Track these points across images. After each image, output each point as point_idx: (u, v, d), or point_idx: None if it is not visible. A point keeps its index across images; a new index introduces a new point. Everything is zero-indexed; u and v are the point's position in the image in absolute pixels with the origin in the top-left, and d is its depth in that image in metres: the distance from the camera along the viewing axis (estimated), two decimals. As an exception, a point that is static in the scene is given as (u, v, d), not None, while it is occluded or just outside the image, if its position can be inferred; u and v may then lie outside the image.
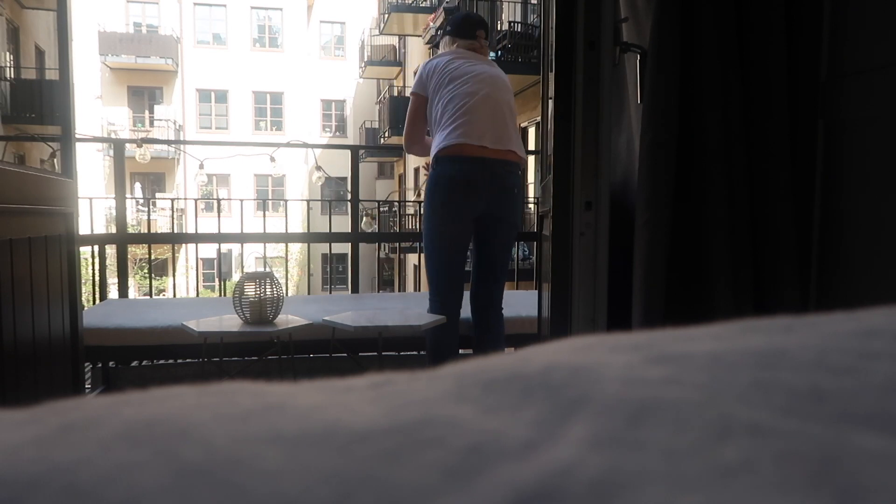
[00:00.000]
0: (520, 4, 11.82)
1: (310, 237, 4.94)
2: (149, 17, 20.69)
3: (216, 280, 15.09)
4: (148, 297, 5.70)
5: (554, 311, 1.79)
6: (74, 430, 0.26)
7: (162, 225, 15.98)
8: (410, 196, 17.29)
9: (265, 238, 4.30)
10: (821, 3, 1.47)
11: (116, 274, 3.90)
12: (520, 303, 2.86)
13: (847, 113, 1.44)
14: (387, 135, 16.24)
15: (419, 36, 15.76)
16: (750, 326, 0.41)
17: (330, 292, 9.28)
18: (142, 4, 20.65)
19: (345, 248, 4.81)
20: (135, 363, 2.90)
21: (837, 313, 0.43)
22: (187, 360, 2.87)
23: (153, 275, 5.91)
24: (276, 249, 12.10)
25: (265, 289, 2.54)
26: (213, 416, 0.27)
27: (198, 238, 4.41)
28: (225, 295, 4.71)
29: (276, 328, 2.49)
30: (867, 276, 1.40)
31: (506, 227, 2.45)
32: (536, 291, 2.46)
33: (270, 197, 19.40)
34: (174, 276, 5.97)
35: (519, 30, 11.00)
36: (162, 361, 2.94)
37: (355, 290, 4.47)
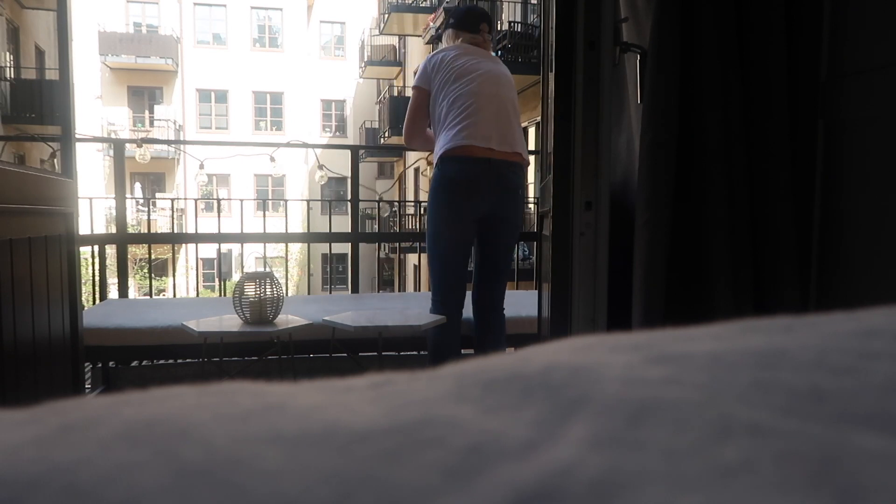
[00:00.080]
0: (520, 4, 11.82)
1: (310, 237, 4.94)
2: (149, 17, 20.69)
3: (216, 280, 15.09)
4: (148, 297, 5.70)
5: (554, 311, 1.79)
6: (74, 430, 0.26)
7: (162, 225, 15.98)
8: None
9: (265, 238, 4.30)
10: (821, 3, 1.47)
11: (116, 274, 3.90)
12: (520, 303, 2.86)
13: (847, 113, 1.44)
14: (387, 135, 16.24)
15: (419, 36, 15.76)
16: (750, 326, 0.41)
17: (330, 292, 9.28)
18: (142, 4, 20.65)
19: (345, 248, 4.81)
20: (135, 363, 2.90)
21: (837, 313, 0.43)
22: (187, 360, 2.87)
23: (153, 275, 5.91)
24: (276, 249, 12.10)
25: (265, 289, 2.54)
26: (213, 416, 0.27)
27: (198, 238, 4.41)
28: (225, 295, 4.71)
29: (276, 328, 2.48)
30: (867, 276, 1.40)
31: (509, 227, 2.45)
32: (536, 291, 2.46)
33: (270, 197, 19.40)
34: (174, 276, 5.97)
35: (519, 30, 11.00)
36: (162, 361, 2.94)
37: (355, 290, 4.47)
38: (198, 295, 6.58)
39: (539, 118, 2.50)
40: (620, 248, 1.69)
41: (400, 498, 0.21)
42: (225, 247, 7.41)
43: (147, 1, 20.62)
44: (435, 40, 12.85)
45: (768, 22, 1.49)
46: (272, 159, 5.25)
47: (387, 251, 15.85)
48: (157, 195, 19.26)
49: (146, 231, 9.74)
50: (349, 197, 4.24)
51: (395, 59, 20.15)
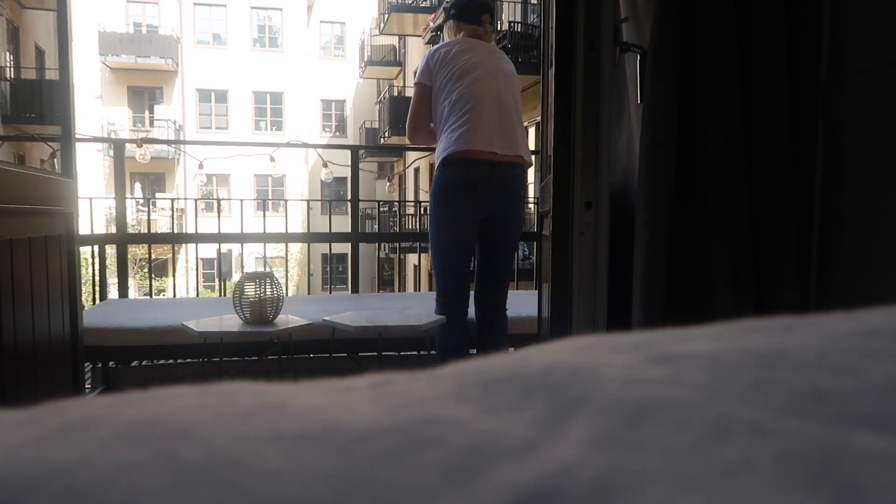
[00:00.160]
0: (520, 4, 11.82)
1: (310, 237, 4.95)
2: (149, 17, 20.69)
3: (216, 280, 15.09)
4: (148, 297, 5.70)
5: (554, 311, 1.79)
6: (74, 430, 0.26)
7: (162, 225, 15.98)
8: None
9: (265, 238, 4.30)
10: (821, 3, 1.47)
11: (116, 274, 3.90)
12: (520, 303, 2.86)
13: (847, 113, 1.44)
14: (387, 135, 16.24)
15: (419, 36, 15.76)
16: (750, 326, 0.41)
17: (330, 292, 9.28)
18: (142, 4, 20.65)
19: (345, 248, 4.81)
20: (135, 363, 2.90)
21: (837, 313, 0.43)
22: (187, 360, 2.87)
23: (153, 275, 5.91)
24: (276, 249, 12.10)
25: (265, 289, 2.54)
26: (213, 416, 0.27)
27: (198, 238, 4.41)
28: (225, 295, 4.71)
29: (276, 328, 2.48)
30: (867, 276, 1.40)
31: (510, 228, 2.44)
32: (536, 291, 2.46)
33: (270, 197, 19.39)
34: (174, 276, 5.97)
35: (519, 30, 11.01)
36: (162, 361, 2.94)
37: (355, 290, 4.47)
38: (198, 295, 6.58)
39: (539, 118, 2.49)
40: (620, 248, 1.69)
41: (400, 498, 0.21)
42: (225, 247, 7.41)
43: (147, 1, 20.62)
44: (435, 40, 12.85)
45: (768, 22, 1.49)
46: (272, 159, 5.25)
47: (387, 251, 15.85)
48: (157, 195, 19.26)
49: (146, 231, 9.74)
50: (349, 197, 4.24)
51: (395, 59, 20.15)
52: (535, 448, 0.24)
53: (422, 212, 6.49)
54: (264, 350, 2.70)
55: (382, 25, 16.88)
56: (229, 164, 16.54)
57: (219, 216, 4.06)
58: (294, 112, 21.15)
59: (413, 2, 15.74)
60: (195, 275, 9.59)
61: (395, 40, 19.67)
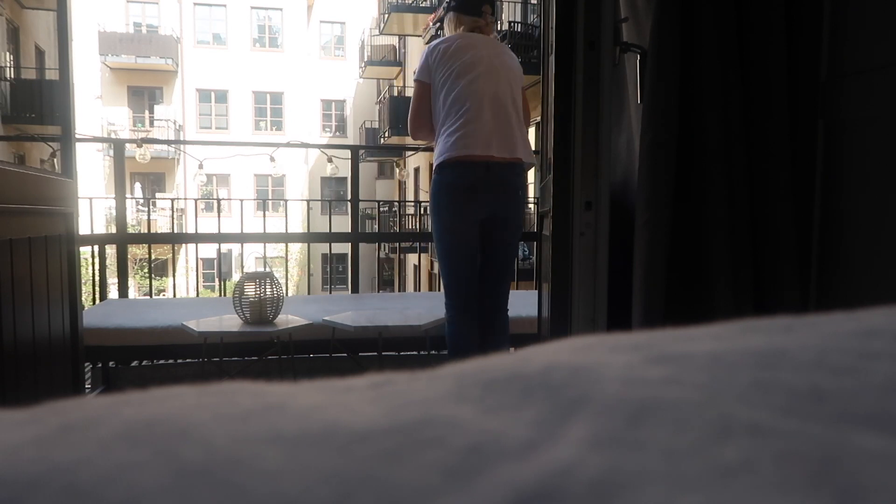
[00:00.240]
0: (520, 4, 11.82)
1: (310, 237, 4.95)
2: (149, 17, 20.68)
3: (216, 280, 15.09)
4: (148, 297, 5.70)
5: (554, 311, 1.79)
6: (74, 430, 0.26)
7: (162, 225, 15.99)
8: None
9: (265, 238, 4.30)
10: (821, 3, 1.47)
11: (116, 274, 3.90)
12: (520, 303, 2.86)
13: (847, 113, 1.44)
14: (387, 135, 16.24)
15: (419, 36, 15.77)
16: (750, 326, 0.41)
17: (330, 292, 9.28)
18: (142, 4, 20.65)
19: (345, 248, 4.81)
20: (135, 363, 2.90)
21: (837, 313, 0.43)
22: (187, 360, 2.87)
23: (153, 275, 5.91)
24: (276, 249, 12.10)
25: (265, 289, 2.54)
26: (213, 416, 0.27)
27: (198, 238, 4.41)
28: (225, 295, 4.71)
29: (276, 328, 2.49)
30: (867, 276, 1.40)
31: (510, 228, 2.43)
32: (536, 291, 2.46)
33: (270, 197, 19.39)
34: (174, 276, 5.97)
35: (519, 30, 11.01)
36: (162, 361, 2.94)
37: (355, 290, 4.47)
38: (198, 295, 6.58)
39: (539, 118, 2.49)
40: (620, 248, 1.69)
41: (400, 498, 0.21)
42: (225, 247, 7.41)
43: (147, 1, 20.62)
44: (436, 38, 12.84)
45: (768, 22, 1.49)
46: (272, 159, 5.25)
47: (387, 251, 15.86)
48: (157, 195, 19.26)
49: (146, 231, 9.74)
50: (349, 197, 4.24)
51: (395, 59, 20.15)
52: (535, 448, 0.24)
53: (422, 212, 6.49)
54: (264, 350, 2.70)
55: (382, 25, 16.88)
56: (229, 164, 16.54)
57: (219, 216, 4.06)
58: (294, 112, 21.15)
59: (413, 2, 15.74)
60: (195, 275, 9.60)
61: (395, 40, 19.67)
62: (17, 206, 1.68)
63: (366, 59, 20.45)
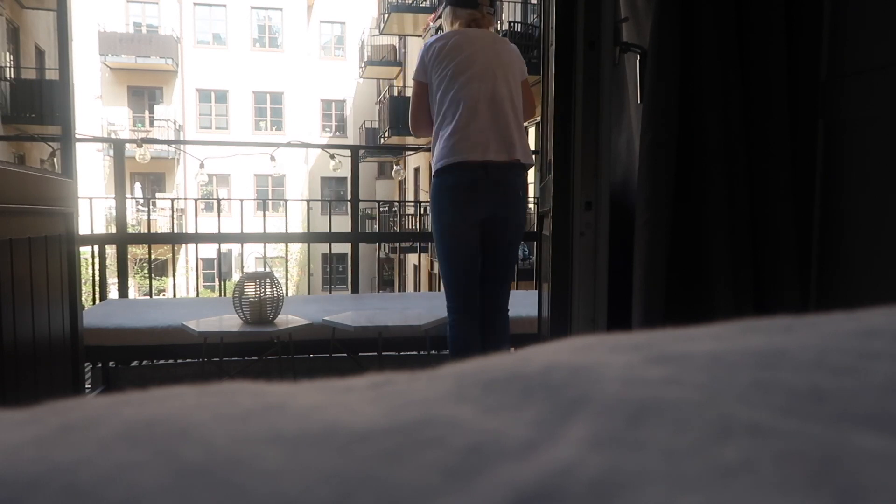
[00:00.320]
0: (520, 4, 11.83)
1: (310, 237, 4.95)
2: (149, 17, 20.68)
3: (216, 280, 15.09)
4: (148, 297, 5.70)
5: (554, 311, 1.79)
6: (74, 430, 0.26)
7: (162, 225, 15.99)
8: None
9: (265, 238, 4.30)
10: (821, 3, 1.47)
11: (116, 274, 3.90)
12: (520, 303, 2.86)
13: (847, 113, 1.44)
14: (387, 135, 16.24)
15: (419, 36, 15.77)
16: (750, 326, 0.41)
17: (330, 292, 9.28)
18: (142, 4, 20.65)
19: (345, 248, 4.82)
20: (135, 363, 2.90)
21: (837, 313, 0.43)
22: (187, 360, 2.87)
23: (153, 275, 5.92)
24: (276, 249, 12.10)
25: (265, 289, 2.54)
26: (213, 416, 0.27)
27: (198, 238, 4.41)
28: (225, 295, 4.71)
29: (276, 328, 2.49)
30: (867, 276, 1.40)
31: (510, 229, 2.42)
32: (536, 291, 2.46)
33: (270, 197, 19.39)
34: (174, 276, 5.97)
35: (519, 30, 11.01)
36: (162, 361, 2.94)
37: (355, 290, 4.47)
38: (198, 295, 6.58)
39: (539, 118, 2.48)
40: (620, 248, 1.69)
41: (400, 498, 0.21)
42: (225, 247, 7.41)
43: (147, 1, 20.62)
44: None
45: (768, 22, 1.49)
46: (272, 158, 5.25)
47: (387, 251, 15.86)
48: (157, 195, 19.26)
49: (146, 231, 9.74)
50: (349, 197, 4.24)
51: (395, 59, 20.15)
52: (535, 448, 0.24)
53: (422, 212, 6.50)
54: (264, 350, 2.70)
55: (382, 25, 16.88)
56: (229, 164, 16.54)
57: (219, 216, 4.06)
58: (294, 112, 21.15)
59: (413, 2, 15.74)
60: (195, 275, 9.60)
61: (395, 40, 19.67)
62: (17, 206, 1.68)
63: (366, 59, 20.45)
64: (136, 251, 13.70)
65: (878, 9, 1.37)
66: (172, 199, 14.60)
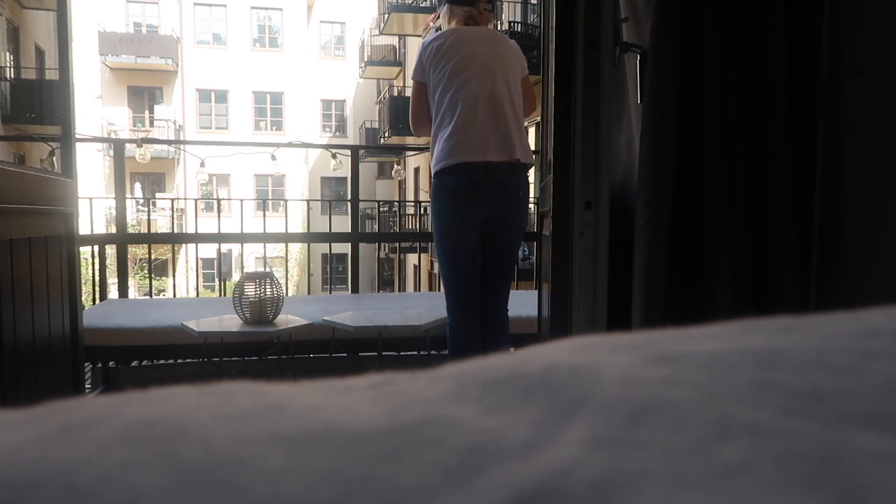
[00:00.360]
0: (520, 4, 11.83)
1: (310, 237, 4.95)
2: (149, 17, 20.68)
3: (216, 280, 15.09)
4: (148, 297, 5.70)
5: (554, 311, 1.79)
6: (74, 430, 0.26)
7: (162, 225, 15.99)
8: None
9: (265, 238, 4.30)
10: (821, 3, 1.47)
11: (116, 274, 3.90)
12: (520, 303, 2.86)
13: (847, 113, 1.44)
14: (387, 135, 16.24)
15: (419, 36, 15.76)
16: (750, 326, 0.41)
17: (330, 292, 9.28)
18: (142, 4, 20.65)
19: (345, 248, 4.82)
20: (135, 363, 2.90)
21: (837, 313, 0.43)
22: (187, 360, 2.87)
23: (153, 275, 5.92)
24: (276, 249, 12.10)
25: (265, 289, 2.54)
26: (213, 416, 0.27)
27: (198, 238, 4.42)
28: (225, 295, 4.71)
29: (276, 328, 2.49)
30: (867, 276, 1.40)
31: (511, 229, 2.41)
32: (536, 291, 2.46)
33: (270, 197, 19.39)
34: (174, 276, 5.97)
35: (519, 30, 11.01)
36: (162, 361, 2.94)
37: (355, 290, 4.47)
38: (198, 295, 6.58)
39: (539, 118, 2.48)
40: (620, 248, 1.69)
41: (400, 498, 0.21)
42: (225, 247, 7.42)
43: (147, 1, 20.62)
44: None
45: (768, 22, 1.49)
46: (273, 157, 5.25)
47: (387, 251, 15.85)
48: (157, 195, 19.26)
49: (146, 231, 9.74)
50: (349, 197, 4.24)
51: (395, 59, 20.15)
52: (535, 448, 0.24)
53: (422, 212, 6.50)
54: (264, 350, 2.70)
55: (382, 25, 16.88)
56: (229, 164, 16.54)
57: (219, 216, 4.06)
58: (294, 112, 21.15)
59: (413, 2, 15.73)
60: (195, 275, 9.60)
61: (395, 40, 19.67)
62: (17, 206, 1.68)
63: (366, 59, 20.45)
64: (136, 251, 13.70)
65: (878, 9, 1.37)
66: (172, 199, 14.60)
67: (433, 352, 2.88)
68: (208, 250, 14.34)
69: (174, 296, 6.38)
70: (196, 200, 5.03)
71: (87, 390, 2.65)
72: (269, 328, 2.49)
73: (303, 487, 0.21)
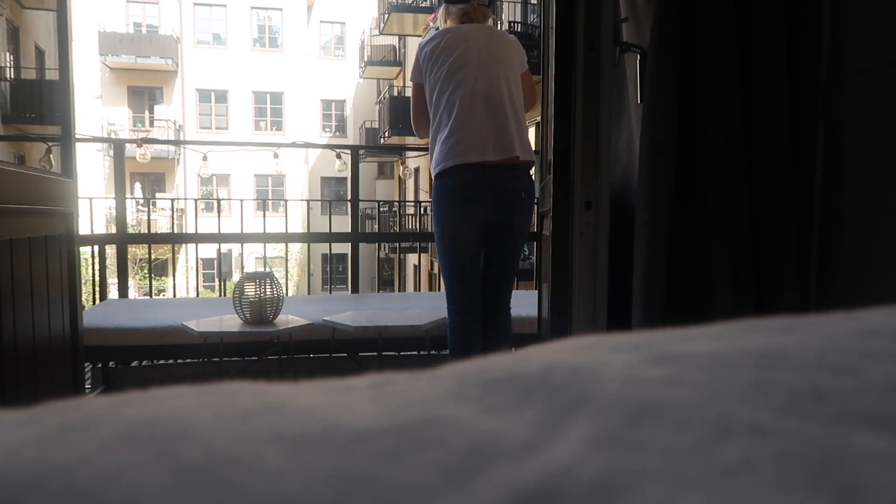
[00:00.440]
0: (520, 4, 11.83)
1: (310, 237, 4.95)
2: (149, 17, 20.69)
3: (216, 280, 15.09)
4: (148, 297, 5.70)
5: (554, 311, 1.79)
6: (74, 430, 0.26)
7: (162, 225, 15.99)
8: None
9: (265, 238, 4.30)
10: (821, 3, 1.47)
11: (116, 274, 3.90)
12: (520, 303, 2.86)
13: (847, 113, 1.44)
14: (387, 135, 16.24)
15: (419, 36, 15.76)
16: (750, 326, 0.41)
17: (330, 292, 9.28)
18: (142, 4, 20.65)
19: (345, 248, 4.82)
20: (135, 363, 2.90)
21: (837, 313, 0.43)
22: (187, 360, 2.87)
23: (153, 275, 5.92)
24: (276, 249, 12.10)
25: (265, 289, 2.54)
26: (213, 416, 0.27)
27: (198, 238, 4.41)
28: (225, 295, 4.71)
29: (276, 328, 2.49)
30: (867, 276, 1.40)
31: (513, 230, 2.39)
32: (536, 291, 2.46)
33: (270, 197, 19.39)
34: (174, 276, 5.97)
35: (519, 30, 11.01)
36: (162, 361, 2.94)
37: (355, 290, 4.47)
38: (198, 295, 6.58)
39: (539, 118, 2.48)
40: (620, 248, 1.69)
41: (400, 498, 0.21)
42: (225, 247, 7.42)
43: (147, 1, 20.62)
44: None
45: (768, 22, 1.49)
46: (276, 155, 5.26)
47: (387, 251, 15.86)
48: (157, 195, 19.26)
49: (146, 231, 9.74)
50: (349, 197, 4.24)
51: (395, 59, 20.15)
52: (535, 448, 0.24)
53: (422, 212, 6.50)
54: (264, 350, 2.70)
55: (382, 25, 16.88)
56: (229, 164, 16.55)
57: (219, 216, 4.06)
58: (294, 112, 21.15)
59: (413, 2, 15.74)
60: (195, 275, 9.60)
61: (395, 40, 19.67)
62: (17, 206, 1.68)
63: (366, 59, 20.45)
64: (136, 251, 13.70)
65: (878, 9, 1.37)
66: (172, 199, 14.60)
67: (433, 352, 2.88)
68: (208, 250, 14.34)
69: (174, 296, 6.38)
70: (196, 200, 5.03)
71: (87, 390, 2.65)
72: (269, 328, 2.49)
73: (303, 487, 0.21)
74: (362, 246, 4.46)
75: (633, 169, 1.75)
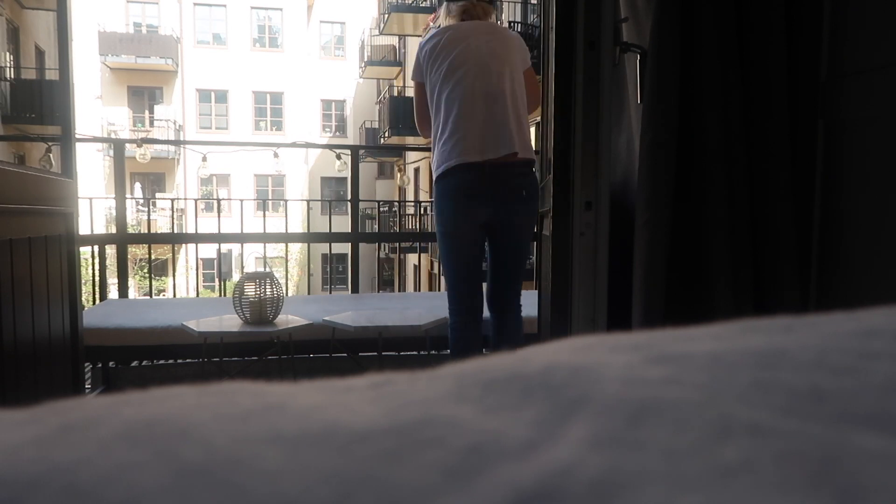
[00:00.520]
0: (520, 4, 11.83)
1: (310, 237, 4.95)
2: (149, 17, 20.69)
3: (216, 280, 15.09)
4: (148, 297, 5.70)
5: (554, 311, 1.79)
6: (74, 430, 0.26)
7: (162, 225, 15.99)
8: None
9: (265, 238, 4.30)
10: (821, 3, 1.47)
11: (116, 274, 3.90)
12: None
13: (847, 113, 1.44)
14: (387, 135, 16.24)
15: (419, 36, 15.75)
16: (750, 326, 0.41)
17: (330, 292, 9.28)
18: (142, 4, 20.65)
19: (345, 248, 4.82)
20: (135, 363, 2.90)
21: (837, 313, 0.43)
22: (187, 360, 2.87)
23: (153, 275, 5.92)
24: (276, 249, 12.10)
25: (265, 289, 2.54)
26: (213, 416, 0.27)
27: (198, 238, 4.42)
28: (225, 295, 4.71)
29: (276, 328, 2.49)
30: (867, 276, 1.40)
31: (515, 229, 2.37)
32: (536, 291, 2.46)
33: (270, 197, 19.39)
34: (174, 276, 5.97)
35: (519, 30, 11.01)
36: (162, 361, 2.94)
37: (355, 290, 4.47)
38: (198, 295, 6.58)
39: (539, 118, 2.47)
40: (620, 248, 1.69)
41: (400, 498, 0.21)
42: (225, 247, 7.42)
43: (147, 1, 20.62)
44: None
45: (768, 22, 1.49)
46: (276, 155, 5.26)
47: (387, 251, 15.86)
48: (157, 195, 19.26)
49: (146, 231, 9.74)
50: (349, 197, 4.24)
51: (395, 59, 20.15)
52: (535, 448, 0.24)
53: (422, 212, 6.50)
54: (264, 350, 2.70)
55: (382, 25, 16.88)
56: (229, 164, 16.54)
57: (219, 216, 4.06)
58: (294, 112, 21.15)
59: (413, 2, 15.74)
60: (195, 275, 9.60)
61: (395, 40, 19.67)
62: (17, 206, 1.68)
63: (366, 59, 20.45)
64: (136, 251, 13.70)
65: (878, 9, 1.37)
66: (172, 199, 14.60)
67: (433, 352, 2.88)
68: (208, 250, 14.34)
69: (174, 296, 6.38)
70: (196, 200, 5.04)
71: (87, 390, 2.65)
72: (269, 328, 2.49)
73: (303, 487, 0.21)
74: (362, 246, 4.46)
75: (633, 169, 1.75)
